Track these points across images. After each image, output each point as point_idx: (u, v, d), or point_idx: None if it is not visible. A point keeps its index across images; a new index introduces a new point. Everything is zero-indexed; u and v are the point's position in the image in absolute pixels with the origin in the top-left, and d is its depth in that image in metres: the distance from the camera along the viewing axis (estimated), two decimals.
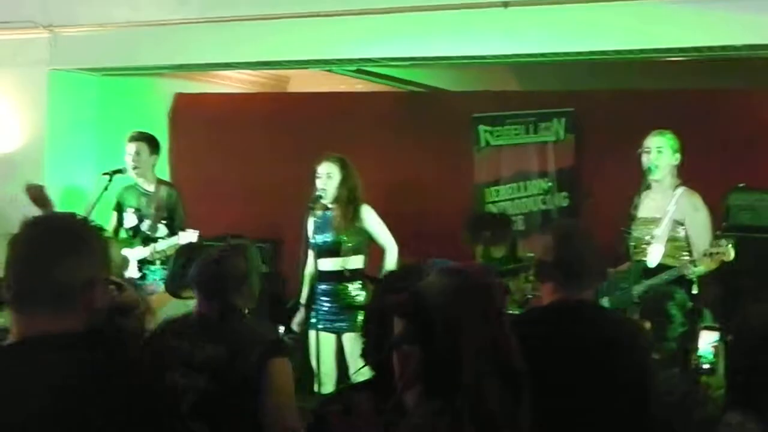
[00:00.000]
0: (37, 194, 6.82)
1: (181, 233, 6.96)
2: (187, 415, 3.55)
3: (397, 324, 2.47)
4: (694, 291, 5.78)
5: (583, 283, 3.55)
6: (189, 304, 5.09)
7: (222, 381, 3.76)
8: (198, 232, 7.03)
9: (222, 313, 3.97)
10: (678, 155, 6.18)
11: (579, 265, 3.52)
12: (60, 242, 2.31)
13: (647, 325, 4.80)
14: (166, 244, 7.00)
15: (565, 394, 3.22)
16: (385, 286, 3.20)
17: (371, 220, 6.82)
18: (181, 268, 5.30)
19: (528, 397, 2.40)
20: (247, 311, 4.15)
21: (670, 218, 6.09)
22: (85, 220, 2.48)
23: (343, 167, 6.80)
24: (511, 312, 6.76)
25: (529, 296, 7.11)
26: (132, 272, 7.06)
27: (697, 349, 4.66)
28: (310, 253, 6.82)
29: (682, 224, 6.10)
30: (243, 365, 3.78)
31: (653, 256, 6.09)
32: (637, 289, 5.95)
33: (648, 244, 6.12)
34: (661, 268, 6.02)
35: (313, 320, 6.72)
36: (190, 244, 6.57)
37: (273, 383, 3.81)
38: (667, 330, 4.83)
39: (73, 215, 2.50)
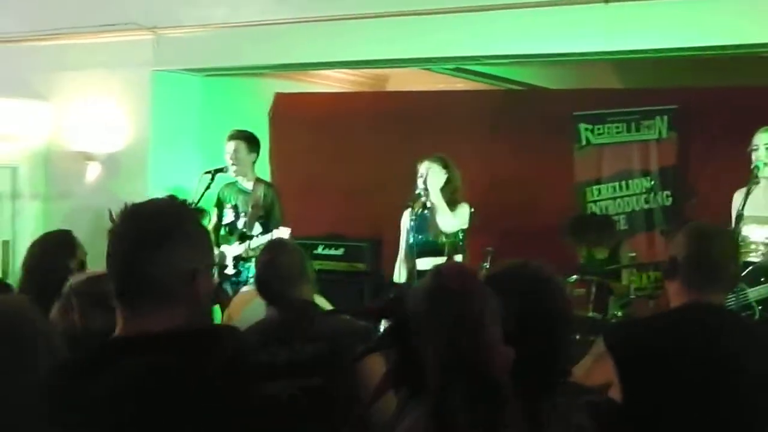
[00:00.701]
0: None
1: (274, 231, 7.00)
2: (306, 417, 3.51)
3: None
4: None
5: (717, 285, 3.35)
6: None
7: (332, 377, 3.72)
8: (290, 230, 7.05)
9: (303, 309, 3.94)
10: None
11: (716, 265, 3.32)
12: (156, 233, 2.18)
13: None
14: (260, 241, 7.03)
15: (707, 406, 3.12)
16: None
17: (459, 218, 6.77)
18: None
19: (509, 410, 2.28)
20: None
21: None
22: (182, 205, 2.30)
23: (445, 166, 6.78)
24: (613, 313, 6.79)
25: (632, 297, 7.02)
26: (228, 269, 7.15)
27: None
28: (404, 251, 6.80)
29: None
30: (347, 358, 3.67)
31: None
32: (754, 293, 5.78)
33: (761, 243, 5.97)
34: None
35: None
36: (275, 240, 6.59)
37: (368, 381, 3.78)
38: None
39: (170, 201, 2.32)
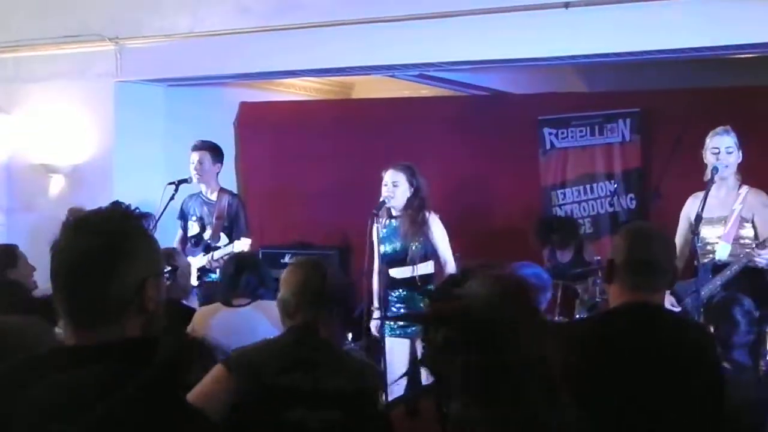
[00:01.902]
0: None
1: (236, 242, 7.01)
2: None
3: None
4: None
5: (654, 285, 3.40)
6: (240, 312, 5.12)
7: (352, 412, 3.51)
8: (250, 241, 7.07)
9: (313, 332, 3.65)
10: (741, 152, 6.11)
11: (650, 266, 3.36)
12: (104, 249, 2.11)
13: (711, 329, 4.70)
14: (222, 252, 7.04)
15: (631, 400, 3.15)
16: (440, 293, 3.12)
17: (437, 229, 6.78)
18: (231, 277, 5.32)
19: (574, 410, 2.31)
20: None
21: (737, 216, 6.00)
22: (128, 214, 2.21)
23: (411, 175, 6.77)
24: (579, 317, 6.81)
25: (597, 300, 7.05)
26: (192, 280, 7.13)
27: (765, 354, 4.55)
28: (377, 261, 6.80)
29: (748, 222, 6.01)
30: (369, 393, 3.57)
31: (720, 254, 6.00)
32: (707, 291, 5.87)
33: (715, 243, 6.03)
34: (728, 264, 5.95)
35: (387, 326, 6.70)
36: (240, 253, 6.57)
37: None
38: (732, 336, 4.73)
39: (114, 211, 2.21)
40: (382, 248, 6.74)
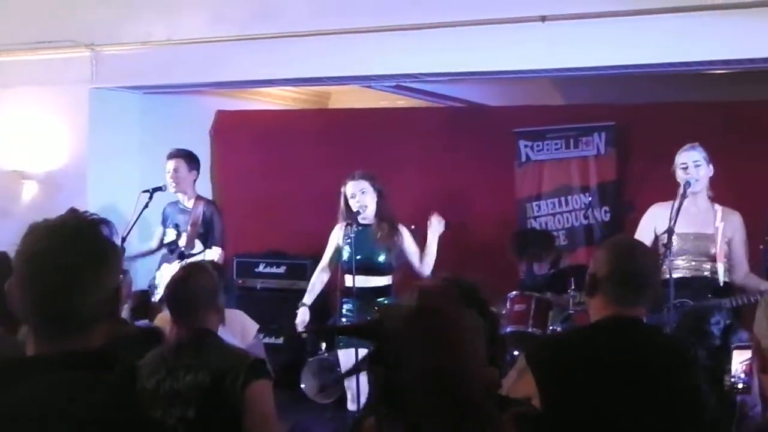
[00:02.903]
0: None
1: (207, 251, 7.02)
2: None
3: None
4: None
5: (638, 299, 3.37)
6: None
7: (209, 409, 3.68)
8: (221, 250, 7.10)
9: (198, 336, 3.88)
10: (711, 167, 6.14)
11: (635, 279, 3.34)
12: (82, 258, 2.10)
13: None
14: (194, 260, 7.04)
15: (615, 415, 3.15)
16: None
17: (408, 240, 6.78)
18: None
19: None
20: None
21: (722, 235, 6.05)
22: (92, 222, 2.19)
23: (373, 180, 6.76)
24: (553, 328, 6.83)
25: (571, 311, 7.06)
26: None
27: (730, 369, 4.55)
28: (323, 264, 6.81)
29: (727, 242, 6.07)
30: (229, 391, 3.69)
31: (723, 274, 6.03)
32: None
33: (703, 261, 6.07)
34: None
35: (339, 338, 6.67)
36: (195, 262, 6.54)
37: (256, 407, 3.74)
38: (701, 347, 4.74)
39: (79, 219, 2.19)
40: (346, 254, 6.69)
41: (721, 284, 6.02)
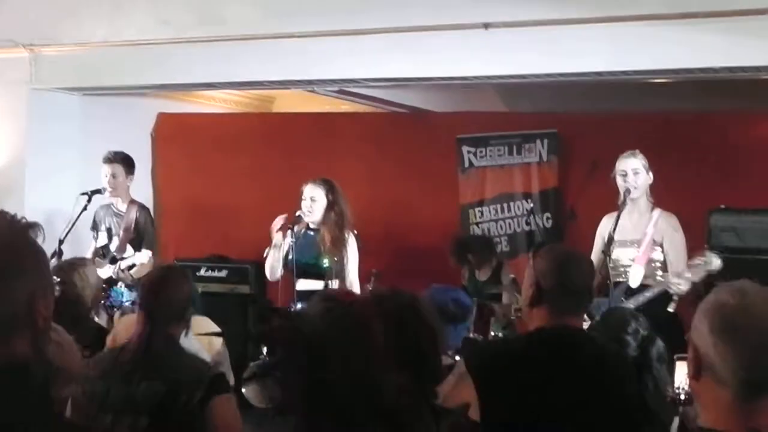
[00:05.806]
0: None
1: (137, 254, 6.99)
2: None
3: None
4: (670, 309, 5.75)
5: (579, 308, 3.45)
6: None
7: (162, 421, 3.61)
8: (151, 254, 7.07)
9: (159, 343, 3.81)
10: (651, 174, 6.18)
11: (579, 290, 3.41)
12: None
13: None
14: (127, 263, 7.05)
15: (555, 422, 3.19)
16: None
17: (351, 250, 6.76)
18: None
19: None
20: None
21: (650, 239, 6.07)
22: (13, 224, 2.06)
23: (330, 191, 6.75)
24: (495, 334, 6.85)
25: (512, 318, 7.10)
26: None
27: (673, 381, 4.56)
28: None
29: (660, 245, 6.09)
30: (185, 405, 3.61)
31: (634, 278, 6.06)
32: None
33: (627, 265, 6.10)
34: (641, 288, 6.00)
35: None
36: (169, 266, 6.49)
37: (219, 423, 3.67)
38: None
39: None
40: (291, 258, 6.67)
41: (634, 287, 6.03)
